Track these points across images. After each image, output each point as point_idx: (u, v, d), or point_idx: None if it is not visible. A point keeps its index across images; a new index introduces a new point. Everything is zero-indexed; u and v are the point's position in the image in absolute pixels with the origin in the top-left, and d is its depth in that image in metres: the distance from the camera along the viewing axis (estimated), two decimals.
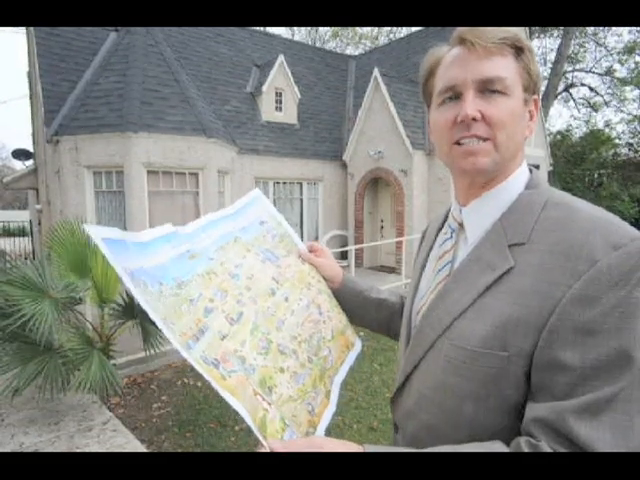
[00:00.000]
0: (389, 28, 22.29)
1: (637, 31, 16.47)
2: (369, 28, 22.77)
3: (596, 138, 16.83)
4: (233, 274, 0.87)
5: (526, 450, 0.55)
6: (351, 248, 7.55)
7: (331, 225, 10.27)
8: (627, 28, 16.55)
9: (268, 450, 0.60)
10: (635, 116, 17.60)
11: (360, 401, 3.93)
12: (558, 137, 18.26)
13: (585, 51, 18.65)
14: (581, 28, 16.55)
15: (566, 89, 19.44)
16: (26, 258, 10.48)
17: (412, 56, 10.47)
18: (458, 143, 0.68)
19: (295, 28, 23.59)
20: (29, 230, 12.85)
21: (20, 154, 10.24)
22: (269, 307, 0.86)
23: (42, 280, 3.25)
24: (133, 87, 6.70)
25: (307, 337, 0.89)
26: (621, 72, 17.90)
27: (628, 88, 17.71)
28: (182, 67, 7.87)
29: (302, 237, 9.51)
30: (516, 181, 0.71)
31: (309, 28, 23.37)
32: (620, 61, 17.53)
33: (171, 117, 6.78)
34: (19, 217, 19.65)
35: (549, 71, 16.89)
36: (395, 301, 1.06)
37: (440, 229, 0.86)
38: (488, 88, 0.66)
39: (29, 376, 3.10)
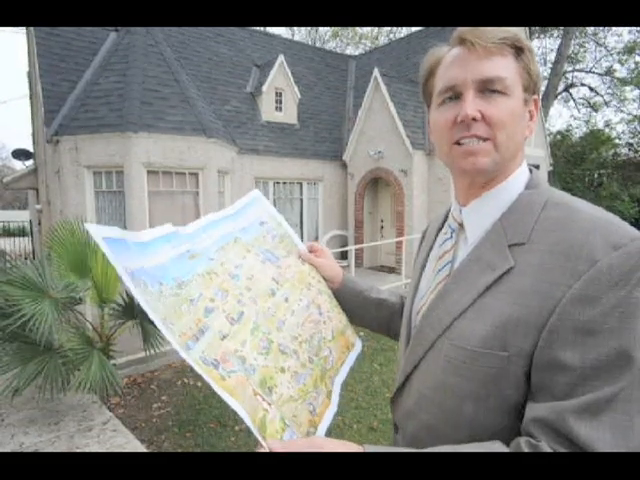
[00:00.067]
0: (389, 28, 22.31)
1: (637, 31, 16.47)
2: (369, 28, 22.79)
3: (596, 138, 16.83)
4: (233, 275, 0.86)
5: (526, 450, 0.55)
6: (351, 248, 7.55)
7: (331, 225, 10.27)
8: (627, 28, 16.56)
9: (267, 450, 0.60)
10: (635, 116, 17.60)
11: (360, 401, 3.93)
12: (558, 137, 18.26)
13: (585, 51, 18.66)
14: (581, 28, 16.55)
15: (566, 89, 19.44)
16: (26, 258, 10.48)
17: (412, 56, 10.47)
18: (458, 143, 0.68)
19: (295, 28, 23.60)
20: (29, 230, 12.86)
21: (20, 154, 10.24)
22: (269, 308, 0.86)
23: (42, 280, 3.25)
24: (133, 87, 6.70)
25: (308, 337, 0.89)
26: (621, 72, 17.93)
27: (628, 88, 17.71)
28: (182, 67, 7.87)
29: (302, 237, 9.51)
30: (516, 181, 0.71)
31: (309, 28, 23.38)
32: (620, 61, 17.53)
33: (171, 117, 6.78)
34: (19, 217, 19.65)
35: (549, 71, 16.90)
36: (395, 301, 1.06)
37: (440, 229, 0.86)
38: (488, 88, 0.66)
39: (29, 376, 3.10)
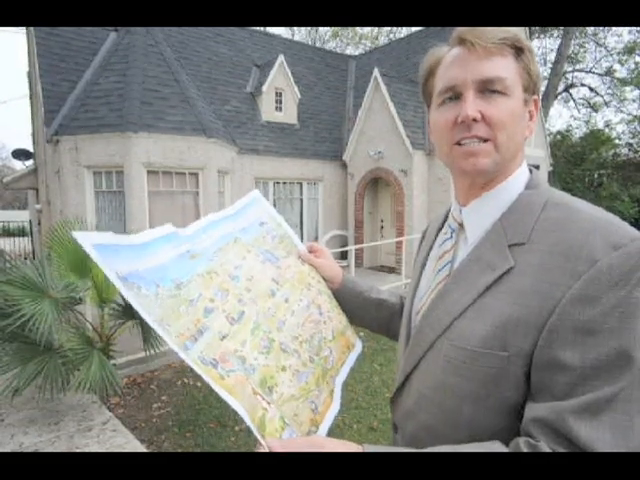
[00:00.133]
0: (389, 28, 22.31)
1: (637, 31, 16.47)
2: (369, 28, 22.80)
3: (596, 138, 16.84)
4: (233, 275, 0.86)
5: (525, 450, 0.55)
6: (351, 248, 7.55)
7: (331, 225, 10.27)
8: (627, 28, 16.57)
9: (267, 449, 0.60)
10: (635, 116, 17.60)
11: (360, 401, 3.93)
12: (558, 137, 18.27)
13: (585, 51, 18.67)
14: (581, 28, 16.55)
15: (566, 89, 19.44)
16: (26, 258, 10.47)
17: (412, 56, 10.47)
18: (459, 144, 0.68)
19: (295, 28, 23.60)
20: (29, 230, 12.85)
21: (20, 154, 10.25)
22: (269, 308, 0.86)
23: (42, 280, 3.25)
24: (133, 87, 6.70)
25: (308, 337, 0.89)
26: (621, 72, 17.94)
27: (628, 88, 17.72)
28: (182, 67, 7.87)
29: (302, 237, 9.51)
30: (516, 181, 0.71)
31: (309, 28, 23.38)
32: (620, 61, 17.54)
33: (171, 117, 6.78)
34: (19, 217, 19.65)
35: (549, 71, 16.89)
36: (395, 302, 1.06)
37: (440, 229, 0.86)
38: (488, 88, 0.66)
39: (29, 376, 3.10)
